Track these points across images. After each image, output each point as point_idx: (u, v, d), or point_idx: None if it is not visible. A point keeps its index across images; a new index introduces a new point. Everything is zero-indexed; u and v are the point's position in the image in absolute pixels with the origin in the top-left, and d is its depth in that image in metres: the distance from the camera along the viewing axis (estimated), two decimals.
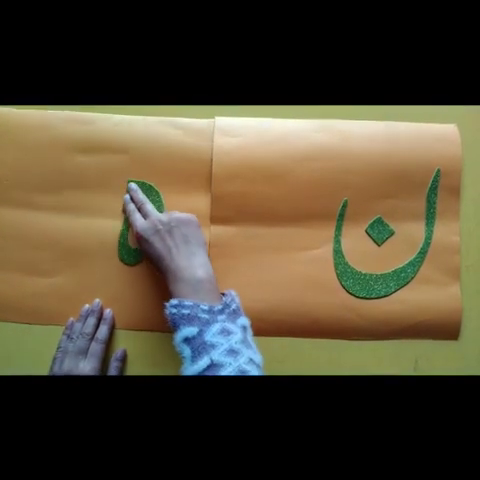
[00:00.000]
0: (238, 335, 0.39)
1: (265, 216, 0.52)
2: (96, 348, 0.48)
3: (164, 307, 0.41)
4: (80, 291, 0.52)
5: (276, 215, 0.52)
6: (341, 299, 0.51)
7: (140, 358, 0.51)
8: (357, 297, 0.51)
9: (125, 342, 0.51)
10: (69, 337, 0.49)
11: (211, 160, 0.52)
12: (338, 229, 0.53)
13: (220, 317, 0.40)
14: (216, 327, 0.39)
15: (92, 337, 0.49)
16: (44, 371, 0.48)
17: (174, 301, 0.41)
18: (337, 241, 0.52)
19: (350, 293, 0.52)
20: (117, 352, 0.50)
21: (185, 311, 0.40)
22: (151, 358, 0.51)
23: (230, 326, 0.40)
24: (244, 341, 0.40)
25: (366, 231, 0.53)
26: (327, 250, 0.52)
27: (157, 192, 0.53)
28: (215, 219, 0.52)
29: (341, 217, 0.53)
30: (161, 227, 0.45)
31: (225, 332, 0.39)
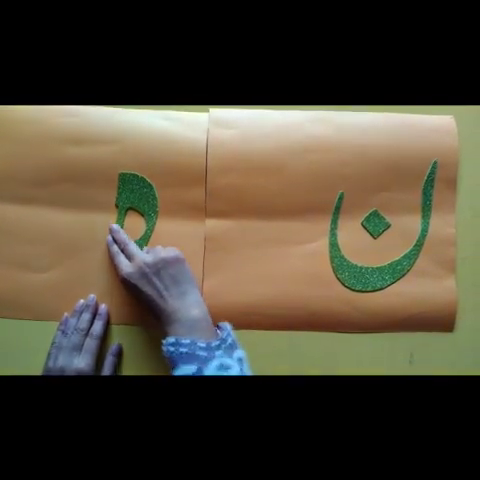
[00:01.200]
0: (236, 369, 0.41)
1: (261, 209, 0.52)
2: (90, 344, 0.48)
3: (161, 344, 0.42)
4: (74, 286, 0.51)
5: (272, 208, 0.52)
6: (337, 292, 0.51)
7: (135, 354, 0.51)
8: (353, 290, 0.51)
9: (120, 338, 0.51)
10: (64, 333, 0.49)
11: (206, 152, 0.52)
12: (334, 222, 0.52)
13: (217, 353, 0.41)
14: (214, 363, 0.40)
15: (87, 333, 0.49)
16: (38, 367, 0.48)
17: (171, 339, 0.41)
18: (333, 234, 0.52)
19: (346, 286, 0.51)
20: (112, 347, 0.50)
21: (183, 349, 0.40)
22: (146, 353, 0.51)
23: (227, 361, 0.41)
24: (241, 374, 0.41)
25: (362, 224, 0.52)
26: (323, 243, 0.52)
27: (150, 185, 0.52)
28: (210, 213, 0.52)
29: (337, 210, 0.52)
30: (148, 270, 0.45)
31: (223, 368, 0.40)
